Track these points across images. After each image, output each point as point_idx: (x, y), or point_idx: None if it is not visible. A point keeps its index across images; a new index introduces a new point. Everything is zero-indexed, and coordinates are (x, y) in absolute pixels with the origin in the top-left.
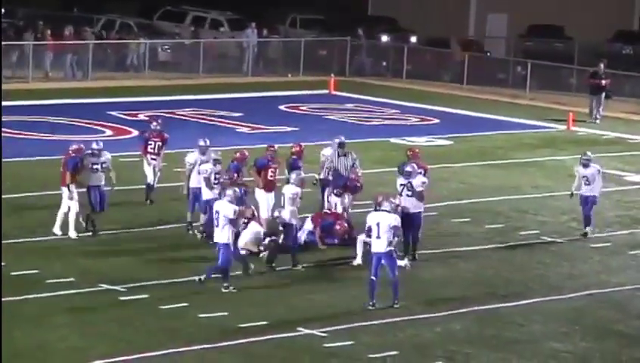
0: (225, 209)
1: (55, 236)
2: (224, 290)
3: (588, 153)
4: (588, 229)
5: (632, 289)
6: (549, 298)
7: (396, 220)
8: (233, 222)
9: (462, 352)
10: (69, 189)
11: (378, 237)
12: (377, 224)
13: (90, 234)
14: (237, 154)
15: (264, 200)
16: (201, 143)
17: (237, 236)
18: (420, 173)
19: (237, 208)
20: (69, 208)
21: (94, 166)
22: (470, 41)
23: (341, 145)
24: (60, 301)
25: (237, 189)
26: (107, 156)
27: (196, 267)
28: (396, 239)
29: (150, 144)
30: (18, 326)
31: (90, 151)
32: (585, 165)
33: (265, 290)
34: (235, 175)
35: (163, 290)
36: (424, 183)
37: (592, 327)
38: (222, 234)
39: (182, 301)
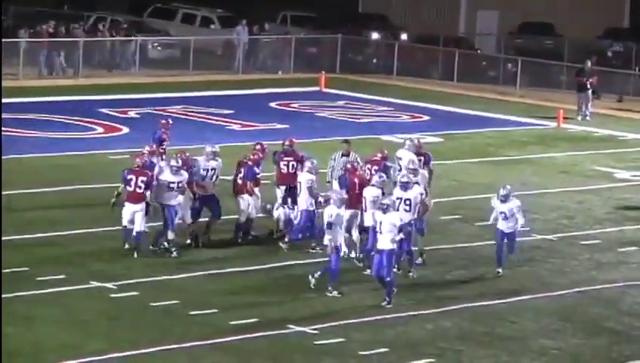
0: (328, 211)
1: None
2: (328, 294)
3: (508, 187)
4: (500, 270)
5: (623, 286)
6: (540, 295)
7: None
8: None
9: (453, 349)
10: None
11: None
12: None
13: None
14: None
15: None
16: (208, 148)
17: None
18: (417, 183)
19: (337, 212)
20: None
21: (171, 185)
22: (460, 39)
23: (345, 142)
24: (51, 298)
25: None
26: (184, 175)
27: (189, 265)
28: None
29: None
30: (9, 323)
31: (169, 167)
32: (503, 201)
33: (256, 288)
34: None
35: (154, 288)
36: (422, 194)
37: (583, 323)
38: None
39: (173, 298)
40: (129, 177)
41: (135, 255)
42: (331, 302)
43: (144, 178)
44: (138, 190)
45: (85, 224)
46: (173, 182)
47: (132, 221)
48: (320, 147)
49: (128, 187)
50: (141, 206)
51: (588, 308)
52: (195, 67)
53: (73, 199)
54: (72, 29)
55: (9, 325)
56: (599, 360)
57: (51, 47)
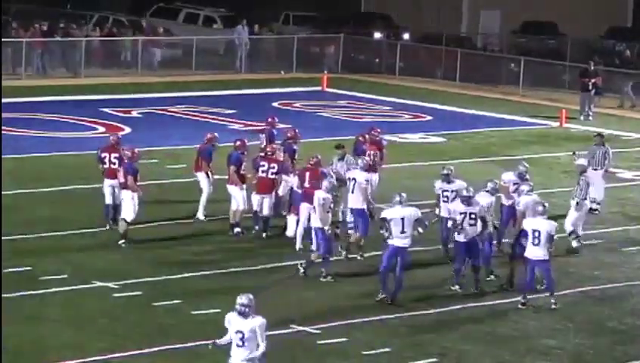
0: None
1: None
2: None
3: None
4: None
5: (625, 285)
6: (543, 294)
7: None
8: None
9: (456, 349)
10: (207, 175)
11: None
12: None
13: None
14: (238, 142)
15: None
16: (360, 160)
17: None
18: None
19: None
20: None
21: (330, 205)
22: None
23: (338, 146)
24: (54, 297)
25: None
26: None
27: (189, 264)
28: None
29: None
30: (11, 322)
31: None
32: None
33: (259, 288)
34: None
35: (157, 287)
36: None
37: (586, 323)
38: (540, 250)
39: (176, 298)
40: (103, 155)
41: (107, 227)
42: (334, 302)
43: (117, 155)
44: (112, 166)
45: (87, 224)
46: (331, 203)
47: (112, 195)
48: (322, 147)
49: (103, 165)
50: (117, 181)
51: (590, 308)
52: (197, 67)
53: (75, 198)
54: (72, 28)
55: (12, 325)
56: (602, 360)
57: (43, 46)
